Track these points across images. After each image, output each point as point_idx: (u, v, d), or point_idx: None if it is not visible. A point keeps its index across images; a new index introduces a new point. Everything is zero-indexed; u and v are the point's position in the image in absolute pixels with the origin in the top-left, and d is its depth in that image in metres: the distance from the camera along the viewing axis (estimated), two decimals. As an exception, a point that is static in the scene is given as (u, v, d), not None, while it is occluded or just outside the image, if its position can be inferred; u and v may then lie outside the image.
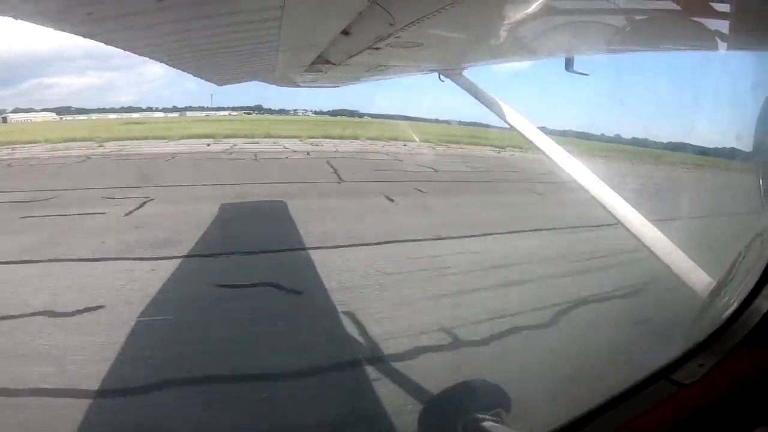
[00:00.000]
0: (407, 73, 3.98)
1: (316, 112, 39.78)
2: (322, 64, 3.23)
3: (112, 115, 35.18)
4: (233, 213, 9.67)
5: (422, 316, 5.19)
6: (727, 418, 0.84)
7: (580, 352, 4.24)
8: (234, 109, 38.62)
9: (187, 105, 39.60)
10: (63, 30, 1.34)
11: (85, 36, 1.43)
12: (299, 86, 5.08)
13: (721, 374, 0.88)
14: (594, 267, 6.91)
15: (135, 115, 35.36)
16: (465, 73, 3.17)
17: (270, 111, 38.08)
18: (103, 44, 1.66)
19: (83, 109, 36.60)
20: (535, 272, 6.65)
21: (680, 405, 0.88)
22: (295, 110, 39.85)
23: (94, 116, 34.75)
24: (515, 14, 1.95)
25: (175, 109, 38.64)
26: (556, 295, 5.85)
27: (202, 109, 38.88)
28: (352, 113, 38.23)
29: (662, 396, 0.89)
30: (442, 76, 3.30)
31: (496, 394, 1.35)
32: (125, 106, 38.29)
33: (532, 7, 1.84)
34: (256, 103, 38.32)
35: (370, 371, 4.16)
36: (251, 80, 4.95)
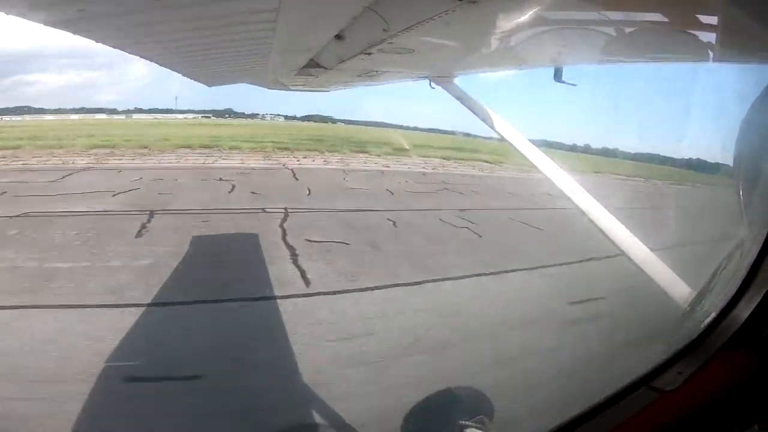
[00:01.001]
0: (398, 79, 4.00)
1: (287, 117, 38.10)
2: (313, 68, 3.23)
3: (48, 116, 31.88)
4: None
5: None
6: (708, 425, 0.86)
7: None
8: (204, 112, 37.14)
9: (152, 107, 37.43)
10: (54, 26, 1.33)
11: (75, 33, 1.41)
12: (289, 89, 5.08)
13: (701, 381, 0.90)
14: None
15: (74, 117, 32.53)
16: (456, 80, 3.20)
17: (241, 115, 36.83)
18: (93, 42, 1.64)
19: (33, 108, 33.47)
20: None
21: (662, 411, 0.90)
22: (263, 115, 38.33)
23: (28, 117, 31.23)
24: (507, 24, 1.99)
25: (126, 112, 35.88)
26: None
27: (167, 111, 36.53)
28: (325, 119, 37.21)
29: (644, 403, 0.90)
30: (432, 83, 3.33)
31: (479, 400, 1.36)
32: (77, 107, 35.44)
33: (523, 18, 1.88)
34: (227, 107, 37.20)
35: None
36: (241, 82, 4.93)
